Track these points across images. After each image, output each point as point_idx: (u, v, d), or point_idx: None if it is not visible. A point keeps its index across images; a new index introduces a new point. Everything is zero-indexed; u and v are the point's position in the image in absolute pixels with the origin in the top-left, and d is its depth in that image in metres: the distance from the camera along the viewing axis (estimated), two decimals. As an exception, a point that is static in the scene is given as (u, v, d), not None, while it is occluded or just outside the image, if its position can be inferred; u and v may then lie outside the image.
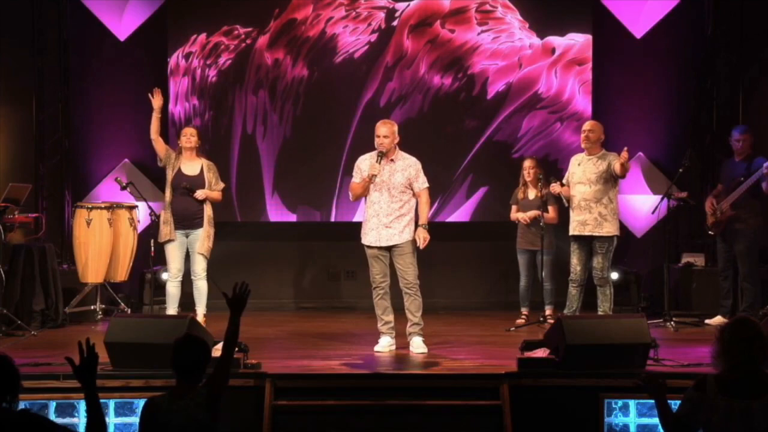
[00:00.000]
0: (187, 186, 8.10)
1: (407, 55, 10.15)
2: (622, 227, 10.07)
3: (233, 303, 4.47)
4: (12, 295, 8.49)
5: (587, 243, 8.05)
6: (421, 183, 7.41)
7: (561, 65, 10.10)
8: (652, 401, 4.43)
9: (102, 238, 8.98)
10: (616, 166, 7.88)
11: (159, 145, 8.22)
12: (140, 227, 9.39)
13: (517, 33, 10.11)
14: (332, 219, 10.20)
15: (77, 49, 10.29)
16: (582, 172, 8.08)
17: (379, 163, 7.28)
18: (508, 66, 10.12)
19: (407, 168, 7.36)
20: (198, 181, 8.16)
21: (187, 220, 8.12)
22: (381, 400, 6.24)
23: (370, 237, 7.38)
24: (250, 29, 10.17)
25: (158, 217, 8.23)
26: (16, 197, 8.73)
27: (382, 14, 10.17)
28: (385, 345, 7.34)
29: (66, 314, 8.85)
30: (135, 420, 5.98)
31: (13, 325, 8.19)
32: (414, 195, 7.40)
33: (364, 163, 7.41)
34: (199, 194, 8.10)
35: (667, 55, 10.29)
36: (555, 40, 10.10)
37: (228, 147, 10.19)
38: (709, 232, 8.94)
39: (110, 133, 10.29)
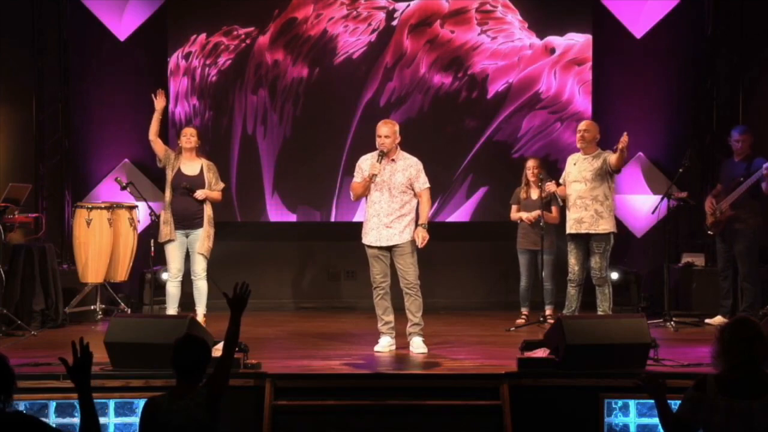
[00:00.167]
0: (186, 186, 8.10)
1: (407, 55, 10.15)
2: (622, 227, 10.11)
3: (234, 303, 4.47)
4: (12, 295, 8.49)
5: (584, 242, 8.05)
6: (422, 183, 7.41)
7: (561, 65, 10.10)
8: (652, 401, 4.42)
9: (102, 238, 8.98)
10: (611, 159, 7.88)
11: (158, 146, 8.22)
12: (140, 227, 9.39)
13: (517, 33, 10.11)
14: (332, 219, 10.21)
15: (77, 49, 10.30)
16: (578, 171, 8.08)
17: (380, 163, 7.28)
18: (508, 66, 10.12)
19: (408, 168, 7.36)
20: (198, 181, 8.16)
21: (187, 220, 8.13)
22: (381, 400, 6.24)
23: (370, 237, 7.38)
24: (250, 29, 10.17)
25: (158, 217, 8.23)
26: (16, 197, 8.72)
27: (382, 14, 10.17)
28: (385, 345, 7.35)
29: (66, 314, 8.85)
30: (135, 420, 5.98)
31: (13, 325, 8.19)
32: (415, 195, 7.41)
33: (365, 163, 7.42)
34: (199, 194, 8.11)
35: (667, 55, 10.29)
36: (555, 40, 10.10)
37: (228, 147, 10.19)
38: (709, 232, 8.94)
39: (110, 133, 10.29)
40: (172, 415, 4.24)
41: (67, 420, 6.04)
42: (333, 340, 8.03)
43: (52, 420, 6.07)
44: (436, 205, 9.66)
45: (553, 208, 8.68)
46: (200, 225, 8.12)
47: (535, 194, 8.84)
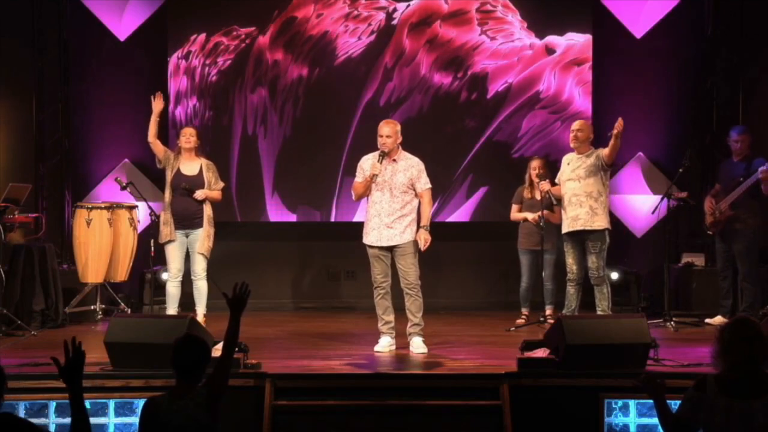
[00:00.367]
0: (186, 187, 8.10)
1: (407, 54, 10.15)
2: (622, 227, 10.12)
3: (233, 303, 4.48)
4: (12, 295, 8.49)
5: (580, 241, 8.04)
6: (424, 183, 7.40)
7: (561, 65, 10.10)
8: (652, 401, 4.42)
9: (102, 238, 8.98)
10: (604, 152, 7.89)
11: (157, 147, 8.23)
12: (140, 227, 9.39)
13: (517, 33, 10.11)
14: (332, 219, 10.21)
15: (77, 49, 10.30)
16: (571, 170, 8.09)
17: (381, 163, 7.28)
18: (508, 66, 10.12)
19: (409, 168, 7.36)
20: (197, 181, 8.17)
21: (186, 220, 8.13)
22: (381, 400, 6.23)
23: (371, 237, 7.38)
24: (250, 29, 10.17)
25: (158, 217, 8.23)
26: (16, 197, 8.72)
27: (382, 14, 10.17)
28: (385, 345, 7.34)
29: (66, 314, 8.84)
30: (135, 420, 5.98)
31: (13, 325, 8.19)
32: (416, 195, 7.40)
33: (367, 163, 7.42)
34: (199, 194, 8.11)
35: (667, 55, 10.29)
36: (555, 40, 10.10)
37: (228, 147, 10.19)
38: (708, 232, 8.95)
39: (110, 133, 10.29)
40: (172, 415, 4.24)
41: (67, 420, 6.02)
42: (333, 340, 8.03)
43: (52, 420, 6.07)
44: (436, 205, 9.63)
45: (556, 208, 8.67)
46: (200, 225, 8.12)
47: (539, 194, 8.82)
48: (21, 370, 6.27)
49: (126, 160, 10.25)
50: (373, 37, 10.16)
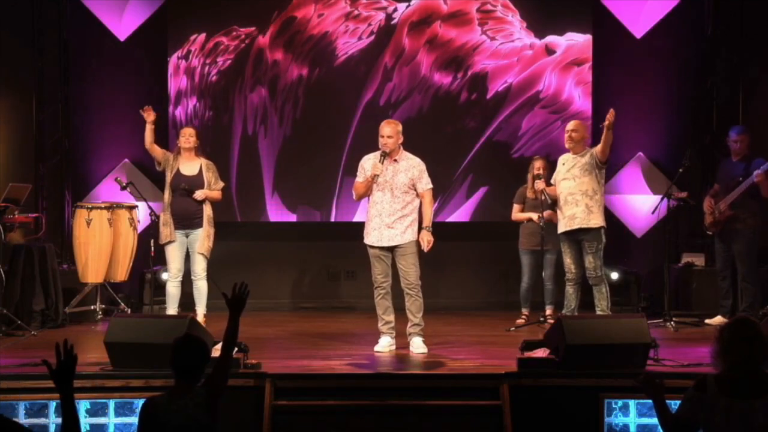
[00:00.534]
0: (185, 187, 8.10)
1: (407, 54, 10.15)
2: (622, 227, 10.12)
3: (232, 303, 4.48)
4: (12, 295, 8.49)
5: (577, 240, 8.03)
6: (425, 184, 7.40)
7: (561, 65, 10.10)
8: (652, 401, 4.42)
9: (102, 238, 8.98)
10: (597, 149, 7.89)
11: (155, 151, 8.24)
12: (140, 227, 9.39)
13: (517, 33, 10.11)
14: (332, 219, 10.21)
15: (77, 49, 10.30)
16: (566, 170, 8.09)
17: (382, 163, 7.28)
18: (508, 66, 10.12)
19: (411, 168, 7.36)
20: (197, 181, 8.17)
21: (186, 220, 8.13)
22: (381, 400, 6.23)
23: (372, 237, 7.37)
24: (250, 29, 10.17)
25: (158, 217, 8.23)
26: (16, 197, 8.72)
27: (382, 14, 10.17)
28: (385, 345, 7.34)
29: (66, 314, 8.84)
30: (135, 420, 5.96)
31: (13, 325, 8.19)
32: (417, 195, 7.40)
33: (368, 163, 7.41)
34: (198, 195, 8.11)
35: (667, 55, 10.29)
36: (555, 40, 10.10)
37: (228, 147, 10.19)
38: (707, 232, 8.95)
39: (110, 133, 10.29)
40: (172, 415, 4.24)
41: (67, 420, 6.03)
42: (333, 340, 8.03)
43: (52, 420, 6.07)
44: (436, 205, 9.61)
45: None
46: (200, 225, 8.12)
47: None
48: (21, 370, 6.27)
49: (126, 160, 10.25)
50: (373, 37, 10.16)
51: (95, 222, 8.95)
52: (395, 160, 7.34)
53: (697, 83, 10.27)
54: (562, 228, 8.08)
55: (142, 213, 9.12)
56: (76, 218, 9.07)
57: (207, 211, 8.17)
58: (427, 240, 7.29)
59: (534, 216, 8.72)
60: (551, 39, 10.10)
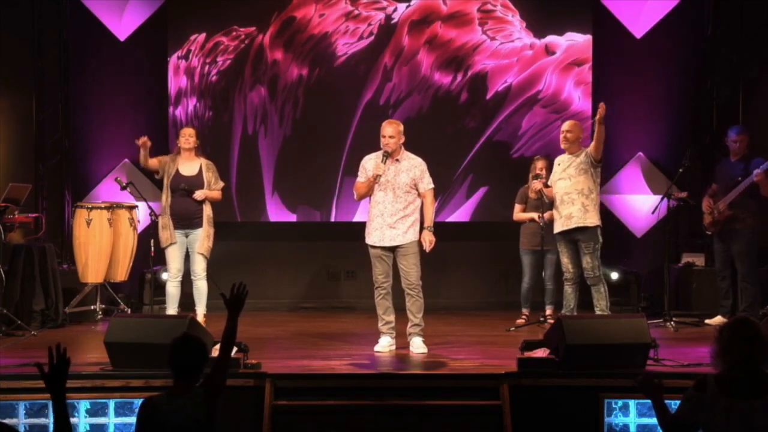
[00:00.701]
0: (185, 188, 8.10)
1: (407, 54, 10.15)
2: (622, 227, 10.12)
3: (231, 303, 4.48)
4: (12, 295, 8.49)
5: (573, 240, 8.02)
6: (426, 184, 7.39)
7: (561, 65, 10.10)
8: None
9: (102, 238, 8.98)
10: (591, 147, 7.89)
11: (151, 165, 8.26)
12: (140, 227, 9.39)
13: (517, 33, 10.11)
14: (332, 219, 10.21)
15: (77, 49, 10.30)
16: (562, 170, 8.09)
17: (384, 164, 7.28)
18: (508, 66, 10.12)
19: (412, 168, 7.35)
20: (197, 181, 8.17)
21: (186, 220, 8.13)
22: (381, 400, 6.23)
23: (373, 237, 7.37)
24: (250, 29, 10.17)
25: (158, 218, 8.23)
26: (16, 197, 8.72)
27: (382, 14, 10.17)
28: (385, 345, 7.34)
29: (66, 314, 8.84)
30: (135, 420, 5.97)
31: (13, 325, 8.19)
32: (419, 195, 7.40)
33: (369, 163, 7.41)
34: (198, 195, 8.11)
35: (667, 55, 10.29)
36: (555, 40, 10.10)
37: (228, 147, 10.19)
38: (707, 232, 8.95)
39: (110, 133, 10.29)
40: (171, 415, 4.24)
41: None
42: (333, 340, 8.03)
43: (52, 420, 6.06)
44: (436, 205, 9.63)
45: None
46: (199, 225, 8.12)
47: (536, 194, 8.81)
48: (21, 370, 6.27)
49: (126, 160, 10.25)
50: (373, 37, 10.16)
51: (95, 222, 8.95)
52: (397, 160, 7.34)
53: (697, 83, 10.27)
54: (558, 228, 8.06)
55: (142, 213, 9.12)
56: (76, 218, 9.07)
57: (207, 211, 8.18)
58: (428, 240, 7.29)
59: (536, 216, 8.72)
60: (551, 39, 10.11)
